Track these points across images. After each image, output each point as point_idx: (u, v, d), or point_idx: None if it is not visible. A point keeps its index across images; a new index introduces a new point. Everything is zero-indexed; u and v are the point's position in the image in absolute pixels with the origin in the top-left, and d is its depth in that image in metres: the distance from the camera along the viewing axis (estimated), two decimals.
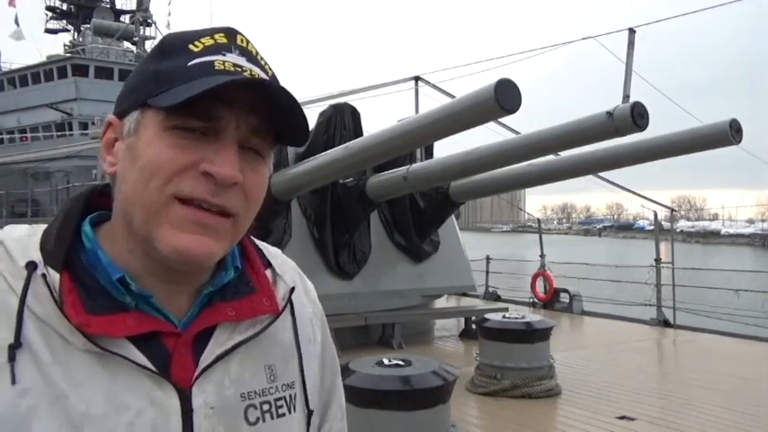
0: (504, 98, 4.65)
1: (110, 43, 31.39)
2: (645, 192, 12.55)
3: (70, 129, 25.51)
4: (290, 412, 0.87)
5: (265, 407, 0.84)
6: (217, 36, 0.80)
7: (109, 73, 27.50)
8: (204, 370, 0.78)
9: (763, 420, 5.43)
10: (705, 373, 7.12)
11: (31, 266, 0.74)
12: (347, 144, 6.96)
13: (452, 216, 10.19)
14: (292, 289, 0.92)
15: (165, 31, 34.09)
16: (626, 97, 5.55)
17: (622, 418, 5.47)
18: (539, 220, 17.49)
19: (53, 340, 0.72)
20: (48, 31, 36.41)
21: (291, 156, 8.28)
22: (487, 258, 14.48)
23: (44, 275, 0.74)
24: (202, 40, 0.79)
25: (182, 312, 0.81)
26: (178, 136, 0.75)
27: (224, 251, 0.80)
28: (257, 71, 0.79)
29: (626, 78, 5.72)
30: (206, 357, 0.79)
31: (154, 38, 33.96)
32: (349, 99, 9.73)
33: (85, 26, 33.83)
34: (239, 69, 0.77)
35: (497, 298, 13.55)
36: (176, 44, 0.79)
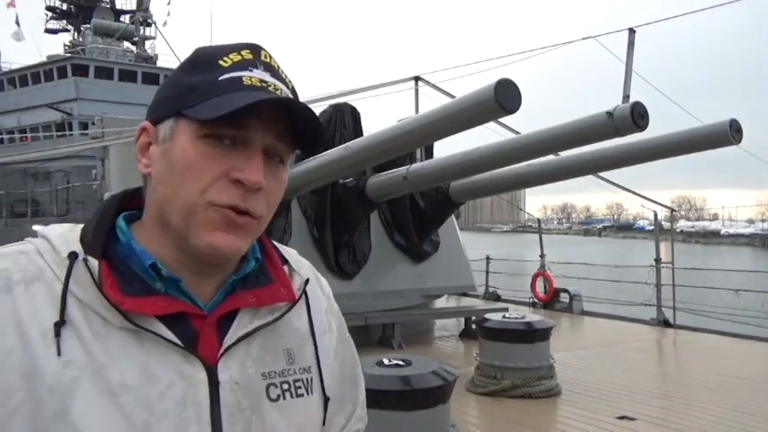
0: (504, 98, 4.65)
1: (110, 43, 31.35)
2: (645, 192, 12.55)
3: (70, 129, 25.48)
4: (308, 393, 0.95)
5: (285, 386, 0.92)
6: (243, 52, 0.89)
7: (109, 73, 27.48)
8: (228, 349, 0.87)
9: (764, 420, 5.42)
10: (705, 373, 7.12)
11: (73, 256, 0.84)
12: (347, 144, 6.96)
13: (452, 216, 10.19)
14: (307, 280, 1.01)
15: (164, 31, 34.06)
16: (626, 97, 5.54)
17: (622, 418, 5.47)
18: (539, 220, 17.48)
19: (93, 320, 0.82)
20: (48, 31, 36.37)
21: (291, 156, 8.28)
22: (487, 258, 14.48)
23: (85, 261, 0.84)
24: (230, 56, 0.87)
25: (208, 298, 0.90)
26: (210, 144, 0.84)
27: (248, 247, 0.90)
28: (280, 86, 0.88)
29: (626, 78, 5.72)
30: (229, 338, 0.88)
31: (154, 38, 33.98)
32: (349, 99, 9.73)
33: (85, 26, 33.78)
34: (264, 85, 0.87)
35: (497, 298, 13.55)
36: (207, 59, 0.88)
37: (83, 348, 0.79)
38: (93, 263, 0.84)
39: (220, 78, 0.85)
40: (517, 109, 4.76)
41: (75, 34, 35.08)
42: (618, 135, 5.57)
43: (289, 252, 1.06)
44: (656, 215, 12.73)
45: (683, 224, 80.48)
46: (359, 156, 6.55)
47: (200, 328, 0.87)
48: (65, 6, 35.81)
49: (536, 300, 12.57)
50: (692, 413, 5.64)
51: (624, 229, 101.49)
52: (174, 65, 30.28)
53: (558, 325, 8.00)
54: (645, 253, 14.63)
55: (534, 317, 6.82)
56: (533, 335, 6.29)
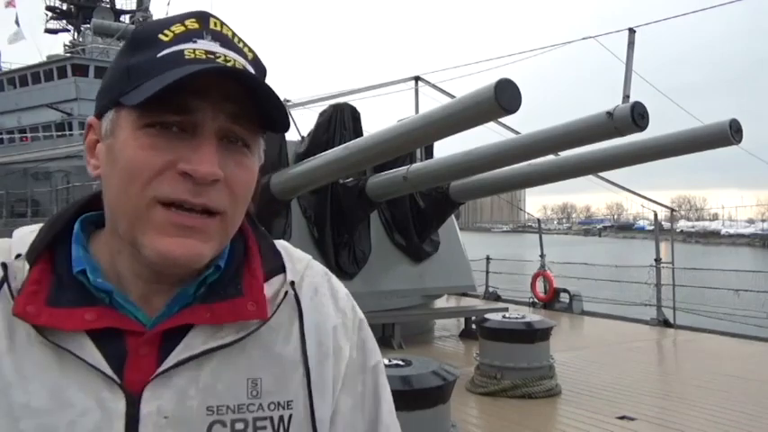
0: (504, 98, 4.66)
1: (110, 43, 31.35)
2: (645, 192, 12.55)
3: (70, 129, 25.50)
4: None
5: (239, 425, 0.75)
6: (188, 22, 0.76)
7: None
8: (164, 373, 0.73)
9: (763, 420, 5.42)
10: (705, 373, 7.12)
11: (4, 267, 0.76)
12: (347, 144, 6.96)
13: (452, 216, 10.19)
14: (285, 294, 0.82)
15: None
16: (626, 97, 5.55)
17: (622, 418, 5.46)
18: (539, 220, 17.49)
19: (19, 331, 0.73)
20: (48, 31, 36.40)
21: (291, 156, 8.28)
22: (487, 258, 14.48)
23: (4, 267, 0.75)
24: (173, 27, 0.75)
25: (157, 313, 0.77)
26: (153, 135, 0.72)
27: (213, 251, 0.75)
28: (233, 56, 0.75)
29: (626, 78, 5.72)
30: (168, 361, 0.73)
31: None
32: (349, 99, 9.73)
33: (85, 26, 33.80)
34: (212, 57, 0.73)
35: (497, 298, 13.55)
36: (147, 35, 0.75)
37: (5, 363, 0.71)
38: (22, 268, 0.76)
39: (159, 55, 0.73)
40: (517, 109, 4.76)
41: (75, 34, 35.10)
42: (618, 135, 5.58)
43: (294, 256, 0.89)
44: (656, 215, 12.73)
45: (683, 224, 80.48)
46: (359, 156, 6.55)
47: (133, 347, 0.74)
48: (65, 6, 35.83)
49: (536, 300, 12.57)
50: (691, 413, 5.64)
51: (624, 229, 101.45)
52: None
53: (558, 325, 8.00)
54: (645, 253, 14.63)
55: (534, 317, 6.82)
56: (533, 335, 6.29)
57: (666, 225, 18.97)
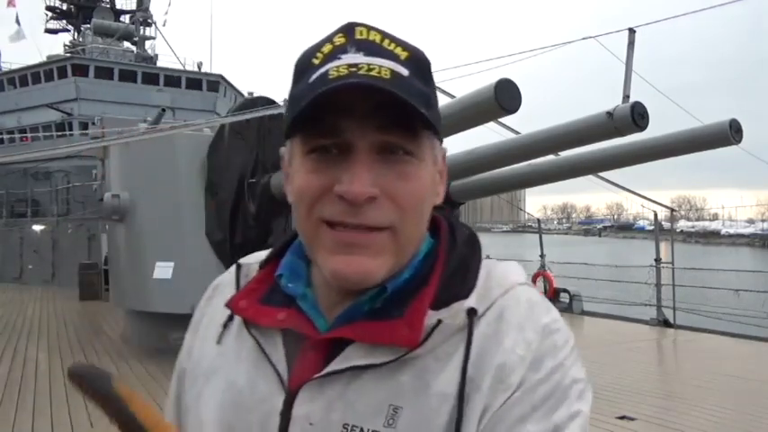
0: (504, 98, 4.66)
1: (110, 43, 31.36)
2: (645, 192, 12.54)
3: (70, 129, 25.48)
4: None
5: None
6: (335, 38, 0.75)
7: (109, 73, 27.45)
8: (316, 381, 0.74)
9: (764, 420, 5.43)
10: (705, 373, 7.12)
11: (238, 267, 0.91)
12: None
13: None
14: (439, 321, 0.73)
15: (164, 31, 34.01)
16: (626, 97, 5.54)
17: (622, 418, 5.47)
18: (539, 220, 17.52)
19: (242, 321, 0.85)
20: (48, 31, 36.38)
21: None
22: (487, 258, 14.48)
23: (239, 266, 0.91)
24: (323, 49, 0.75)
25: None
26: (315, 160, 0.74)
27: (387, 267, 0.74)
28: (378, 63, 0.71)
29: (626, 78, 5.72)
30: (324, 370, 0.74)
31: (154, 38, 33.97)
32: None
33: (85, 26, 33.77)
34: (354, 70, 0.70)
35: None
36: (303, 62, 0.77)
37: (230, 344, 0.85)
38: (251, 271, 0.89)
39: (310, 81, 0.73)
40: (517, 109, 4.76)
41: (75, 34, 35.10)
42: (618, 135, 5.57)
43: (492, 278, 0.79)
44: (656, 215, 12.74)
45: (682, 224, 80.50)
46: None
47: (303, 350, 0.78)
48: (65, 6, 35.83)
49: None
50: (691, 413, 5.64)
51: (624, 229, 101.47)
52: (175, 65, 30.24)
53: None
54: (645, 253, 14.63)
55: None
56: None
57: (666, 225, 18.98)
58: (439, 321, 0.73)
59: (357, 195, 0.71)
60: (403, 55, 0.75)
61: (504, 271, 0.81)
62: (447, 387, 0.71)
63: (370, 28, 0.76)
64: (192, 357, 0.90)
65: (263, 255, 0.92)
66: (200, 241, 8.48)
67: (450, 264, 0.79)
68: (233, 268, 0.92)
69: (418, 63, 0.76)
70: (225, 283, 0.92)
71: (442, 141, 0.81)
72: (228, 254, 7.73)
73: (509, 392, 0.71)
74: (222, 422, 0.80)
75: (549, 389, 0.72)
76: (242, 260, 0.92)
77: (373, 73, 0.70)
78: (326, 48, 0.75)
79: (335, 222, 0.73)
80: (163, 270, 8.58)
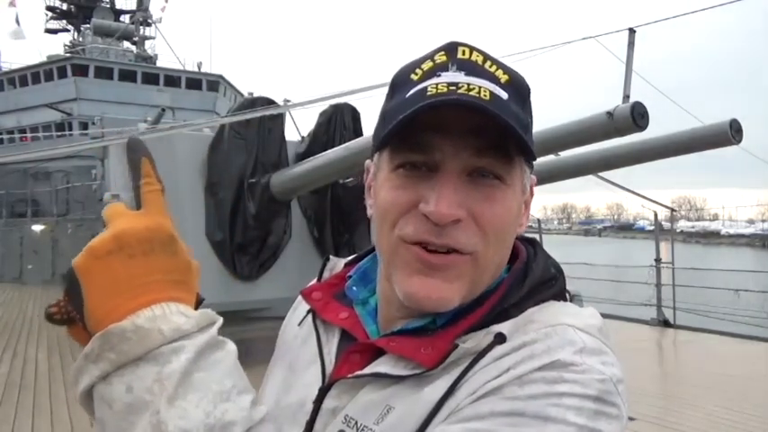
0: None
1: (110, 43, 31.37)
2: (645, 192, 12.54)
3: (70, 129, 25.48)
4: None
5: None
6: (437, 56, 0.75)
7: (109, 73, 27.46)
8: (346, 380, 0.76)
9: (763, 420, 5.43)
10: (705, 373, 7.12)
11: (326, 260, 0.97)
12: (347, 144, 6.96)
13: None
14: (456, 345, 0.71)
15: (163, 30, 33.99)
16: (626, 97, 5.54)
17: None
18: (539, 220, 17.51)
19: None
20: (48, 31, 36.38)
21: (291, 156, 8.29)
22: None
23: (327, 259, 0.96)
24: (423, 65, 0.75)
25: (388, 328, 0.81)
26: (402, 175, 0.73)
27: (462, 292, 0.72)
28: (478, 83, 0.70)
29: (626, 78, 5.72)
30: (356, 372, 0.76)
31: (154, 38, 34.00)
32: (349, 99, 9.72)
33: (85, 26, 33.79)
34: (453, 88, 0.69)
35: None
36: (401, 77, 0.77)
37: (304, 329, 0.89)
38: (337, 266, 0.95)
39: (407, 96, 0.72)
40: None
41: (75, 34, 35.10)
42: (618, 135, 5.57)
43: (546, 313, 0.74)
44: (656, 215, 12.73)
45: (683, 224, 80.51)
46: (359, 156, 6.55)
47: (349, 350, 0.80)
48: (65, 6, 35.83)
49: None
50: (691, 413, 5.64)
51: (624, 229, 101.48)
52: (174, 65, 30.21)
53: None
54: (645, 253, 14.63)
55: None
56: None
57: (666, 225, 18.97)
58: (456, 345, 0.70)
59: (443, 217, 0.69)
60: (503, 78, 0.74)
61: (561, 312, 0.75)
62: (434, 394, 0.69)
63: (473, 49, 0.75)
64: (283, 333, 0.96)
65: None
66: (200, 241, 8.49)
67: (505, 297, 0.75)
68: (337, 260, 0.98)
69: (518, 87, 0.75)
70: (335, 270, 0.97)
71: (532, 169, 0.80)
72: (228, 254, 7.73)
73: (480, 394, 0.67)
74: (275, 396, 0.85)
75: (522, 406, 0.63)
76: (334, 256, 0.99)
77: (473, 93, 0.69)
78: (426, 65, 0.75)
79: (418, 242, 0.72)
80: None
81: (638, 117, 5.24)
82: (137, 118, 15.65)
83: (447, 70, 0.73)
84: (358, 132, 8.66)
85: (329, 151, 7.11)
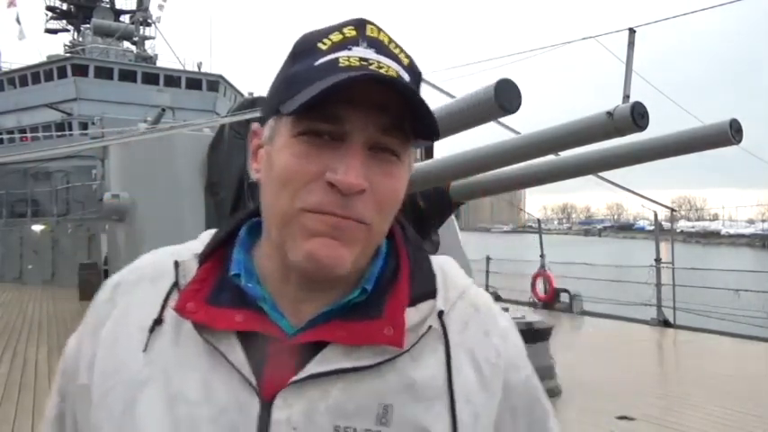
0: (504, 98, 4.65)
1: (110, 43, 31.36)
2: (645, 192, 12.53)
3: (70, 129, 25.47)
4: None
5: None
6: (345, 30, 0.76)
7: (109, 73, 27.46)
8: (296, 384, 0.73)
9: (764, 420, 5.43)
10: (705, 373, 7.12)
11: (176, 265, 0.83)
12: None
13: (452, 216, 10.19)
14: (429, 327, 0.78)
15: (163, 30, 34.02)
16: (626, 97, 5.55)
17: (622, 418, 5.46)
18: (539, 220, 17.53)
19: (183, 324, 0.78)
20: (48, 31, 36.37)
21: None
22: (487, 258, 14.50)
23: (176, 265, 0.82)
24: (331, 36, 0.75)
25: (302, 323, 0.77)
26: (306, 143, 0.73)
27: (354, 259, 0.74)
28: (387, 63, 0.74)
29: (626, 78, 5.72)
30: (301, 373, 0.73)
31: (153, 38, 34.01)
32: None
33: (85, 26, 33.78)
34: (365, 63, 0.72)
35: (497, 298, 13.54)
36: (306, 44, 0.77)
37: (163, 351, 0.77)
38: (191, 267, 0.82)
39: (316, 64, 0.73)
40: (517, 109, 4.76)
41: (75, 34, 35.09)
42: (618, 135, 5.57)
43: (447, 278, 0.84)
44: (656, 215, 12.74)
45: (683, 224, 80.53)
46: None
47: (273, 353, 0.75)
48: (65, 6, 35.82)
49: (536, 300, 12.57)
50: (691, 413, 5.64)
51: (624, 229, 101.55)
52: (174, 65, 30.22)
53: (558, 325, 8.00)
54: (645, 253, 14.63)
55: (534, 317, 6.83)
56: (533, 335, 6.29)
57: (666, 225, 18.97)
58: (430, 327, 0.77)
59: (352, 186, 0.71)
60: (405, 61, 0.77)
61: (452, 270, 0.86)
62: (433, 388, 0.75)
63: (380, 29, 0.77)
64: (98, 370, 0.79)
65: (192, 248, 0.85)
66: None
67: (413, 261, 0.82)
68: (141, 264, 0.86)
69: (415, 72, 0.78)
70: (129, 283, 0.84)
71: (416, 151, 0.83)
72: None
73: (497, 392, 0.79)
74: None
75: (527, 389, 0.84)
76: (172, 256, 0.84)
77: (383, 71, 0.72)
78: (335, 36, 0.75)
79: (322, 212, 0.72)
80: None
81: (638, 117, 5.24)
82: (137, 118, 15.66)
83: (357, 45, 0.74)
84: None
85: None
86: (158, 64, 31.45)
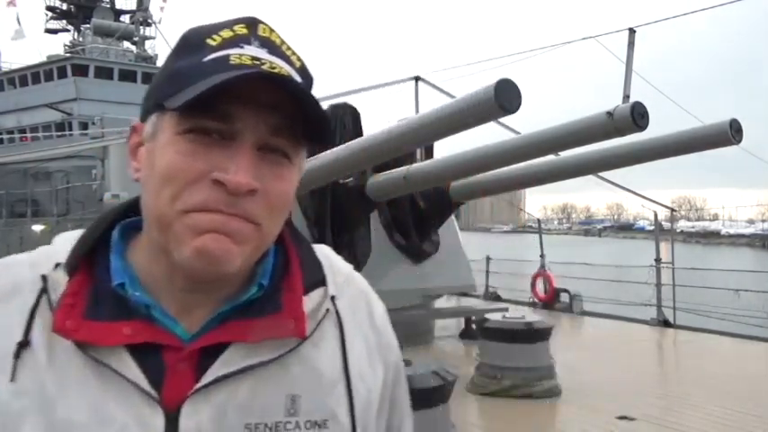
0: (504, 98, 4.66)
1: (110, 43, 31.37)
2: (645, 192, 12.56)
3: (70, 129, 25.50)
4: None
5: None
6: (237, 27, 0.74)
7: (109, 73, 27.49)
8: (201, 390, 0.71)
9: (764, 420, 5.42)
10: (705, 373, 7.12)
11: (44, 280, 0.75)
12: (347, 144, 6.97)
13: (452, 216, 10.20)
14: (327, 310, 0.80)
15: (163, 30, 34.09)
16: (626, 97, 5.55)
17: (622, 418, 5.46)
18: (539, 220, 17.53)
19: (57, 344, 0.71)
20: (48, 31, 36.40)
21: None
22: (487, 258, 14.49)
23: (44, 279, 0.74)
24: (221, 32, 0.74)
25: (195, 327, 0.75)
26: (192, 140, 0.70)
27: (245, 257, 0.72)
28: (279, 63, 0.73)
29: (626, 78, 5.73)
30: (206, 377, 0.71)
31: (154, 38, 34.00)
32: (349, 99, 9.74)
33: (85, 26, 33.80)
34: (258, 63, 0.71)
35: (497, 298, 13.55)
36: (195, 39, 0.74)
37: (37, 376, 0.70)
38: (61, 280, 0.74)
39: (204, 60, 0.71)
40: (517, 109, 4.76)
41: (75, 34, 35.11)
42: (618, 135, 5.58)
43: (336, 269, 0.86)
44: (656, 215, 12.74)
45: (683, 224, 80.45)
46: (359, 156, 6.55)
47: (171, 363, 0.72)
48: (65, 6, 35.84)
49: (536, 300, 12.57)
50: (691, 413, 5.64)
51: (624, 229, 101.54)
52: None
53: (558, 325, 8.00)
54: (645, 253, 14.63)
55: (534, 317, 6.83)
56: (533, 335, 6.29)
57: (666, 225, 18.96)
58: (327, 310, 0.80)
59: (242, 186, 0.69)
60: (297, 64, 0.76)
61: (334, 256, 0.89)
62: (333, 370, 0.78)
63: (272, 29, 0.76)
64: None
65: (51, 256, 0.77)
66: None
67: (302, 255, 0.83)
68: (13, 270, 0.76)
69: (307, 75, 0.78)
70: (8, 293, 0.74)
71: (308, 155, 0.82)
72: None
73: (379, 376, 0.83)
74: None
75: (398, 375, 0.89)
76: (31, 268, 0.76)
77: (276, 71, 0.71)
78: (226, 33, 0.74)
79: (209, 210, 0.69)
80: None
81: (638, 117, 5.25)
82: (137, 118, 15.65)
83: (249, 44, 0.73)
84: (358, 132, 8.66)
85: (329, 151, 7.11)
86: (158, 64, 31.42)
